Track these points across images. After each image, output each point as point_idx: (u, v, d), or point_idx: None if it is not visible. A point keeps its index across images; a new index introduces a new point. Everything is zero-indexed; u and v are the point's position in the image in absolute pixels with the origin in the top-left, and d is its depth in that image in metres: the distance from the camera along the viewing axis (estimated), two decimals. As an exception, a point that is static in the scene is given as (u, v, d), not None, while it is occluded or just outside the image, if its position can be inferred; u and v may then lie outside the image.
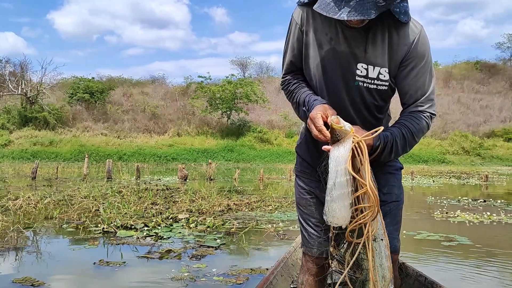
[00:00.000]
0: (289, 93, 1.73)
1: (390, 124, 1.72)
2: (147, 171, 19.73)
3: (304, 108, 1.62)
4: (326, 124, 1.49)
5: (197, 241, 4.60)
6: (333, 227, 1.57)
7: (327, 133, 1.47)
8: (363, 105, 1.64)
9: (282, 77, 1.79)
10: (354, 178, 1.45)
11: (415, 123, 1.57)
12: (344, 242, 1.61)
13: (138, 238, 4.73)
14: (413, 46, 1.54)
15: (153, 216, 5.97)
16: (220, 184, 13.37)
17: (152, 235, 4.87)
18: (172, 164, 29.49)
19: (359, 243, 1.49)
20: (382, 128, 1.48)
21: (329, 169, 1.45)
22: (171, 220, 5.77)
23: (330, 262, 1.65)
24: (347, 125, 1.45)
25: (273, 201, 8.13)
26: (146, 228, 5.17)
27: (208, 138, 38.06)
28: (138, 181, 13.60)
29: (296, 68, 1.74)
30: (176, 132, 38.34)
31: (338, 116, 1.46)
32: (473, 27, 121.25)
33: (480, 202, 8.96)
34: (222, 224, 5.57)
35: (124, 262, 3.80)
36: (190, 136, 38.04)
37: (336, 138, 1.45)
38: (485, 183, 15.75)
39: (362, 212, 1.47)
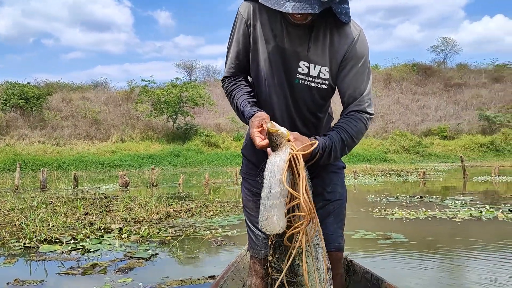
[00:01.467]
0: (228, 93, 1.75)
1: (332, 125, 1.78)
2: (86, 179, 18.86)
3: (241, 111, 1.66)
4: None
5: (127, 252, 4.31)
6: (273, 235, 1.63)
7: (267, 143, 1.49)
8: (303, 103, 1.67)
9: (224, 76, 1.79)
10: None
11: (354, 125, 1.61)
12: (281, 249, 1.68)
13: (62, 252, 4.37)
14: (352, 46, 1.59)
15: (83, 227, 5.58)
16: (163, 190, 12.97)
17: (79, 249, 4.52)
18: (116, 171, 28.45)
19: (296, 248, 1.53)
20: (317, 142, 1.51)
21: (264, 179, 1.46)
22: (102, 231, 5.42)
23: (270, 271, 1.72)
24: (282, 129, 1.47)
25: (215, 206, 7.93)
26: (72, 241, 4.80)
27: (153, 143, 37.17)
28: (76, 190, 12.91)
29: (238, 66, 1.73)
30: (119, 138, 37.14)
31: (272, 122, 1.48)
32: (410, 31, 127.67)
33: (417, 198, 9.24)
34: (158, 233, 5.30)
35: (43, 281, 3.46)
36: (135, 142, 36.98)
37: (275, 143, 1.47)
38: (423, 179, 16.40)
39: (299, 219, 1.50)
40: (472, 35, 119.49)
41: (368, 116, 1.66)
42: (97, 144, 35.89)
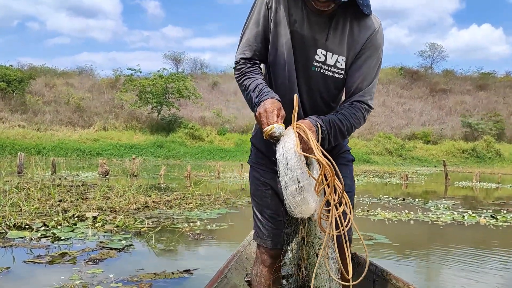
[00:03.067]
0: (242, 75, 1.67)
1: None
2: (65, 166, 18.44)
3: (253, 94, 1.58)
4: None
5: (100, 242, 4.12)
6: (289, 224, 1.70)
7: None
8: (318, 90, 1.67)
9: (240, 57, 1.70)
10: (307, 164, 1.46)
11: (354, 113, 1.61)
12: (291, 240, 1.77)
13: (31, 239, 4.16)
14: (371, 37, 1.61)
15: (56, 214, 5.35)
16: (144, 181, 12.70)
17: (49, 236, 4.31)
18: (96, 159, 27.91)
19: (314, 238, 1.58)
20: (320, 121, 1.52)
21: (278, 157, 1.42)
22: (76, 219, 5.20)
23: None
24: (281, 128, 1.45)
25: (195, 198, 7.75)
26: (43, 228, 4.58)
27: (136, 133, 36.59)
28: (53, 176, 12.57)
29: (254, 49, 1.68)
30: (102, 126, 36.46)
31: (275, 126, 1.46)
32: (398, 34, 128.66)
33: (400, 200, 9.20)
34: (134, 223, 5.11)
35: (9, 268, 3.27)
36: (118, 131, 36.35)
37: (276, 139, 1.45)
38: (405, 182, 16.45)
39: (328, 204, 1.46)
40: (459, 42, 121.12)
41: (367, 108, 1.66)
42: (79, 131, 35.16)
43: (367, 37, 1.61)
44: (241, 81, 1.68)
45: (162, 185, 11.02)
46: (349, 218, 1.50)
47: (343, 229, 1.48)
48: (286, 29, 1.61)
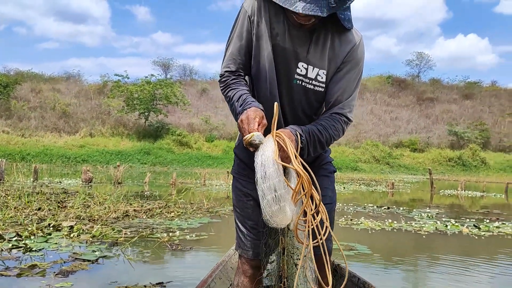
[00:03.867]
0: (227, 87, 1.70)
1: None
2: (47, 173, 18.17)
3: (237, 104, 1.60)
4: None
5: (73, 253, 3.99)
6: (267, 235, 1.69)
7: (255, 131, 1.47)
8: (299, 103, 1.69)
9: (225, 70, 1.73)
10: (285, 174, 1.45)
11: (333, 125, 1.63)
12: (272, 251, 1.76)
13: (1, 250, 4.01)
14: (352, 51, 1.64)
15: (31, 223, 5.20)
16: (128, 188, 12.55)
17: (21, 247, 4.16)
18: (82, 166, 27.59)
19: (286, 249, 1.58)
20: (300, 131, 1.54)
21: (256, 165, 1.42)
22: (51, 228, 5.06)
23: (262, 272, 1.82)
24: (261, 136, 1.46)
25: (177, 207, 7.63)
26: (16, 238, 4.43)
27: (123, 140, 36.30)
28: (35, 183, 12.33)
29: (239, 62, 1.70)
30: (88, 132, 36.11)
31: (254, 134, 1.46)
32: (387, 44, 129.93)
33: (384, 209, 9.17)
34: (111, 233, 4.97)
35: (-26, 281, 3.12)
36: (104, 137, 36.03)
37: (255, 146, 1.45)
38: (391, 190, 16.49)
39: (305, 214, 1.46)
40: (446, 52, 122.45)
41: (346, 120, 1.68)
42: (64, 138, 34.76)
43: (347, 51, 1.64)
44: (226, 92, 1.70)
45: (145, 193, 10.86)
46: (327, 228, 1.50)
47: (321, 239, 1.48)
48: (267, 43, 1.64)
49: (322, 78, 1.65)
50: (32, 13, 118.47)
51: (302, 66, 1.63)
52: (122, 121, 38.93)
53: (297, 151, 1.49)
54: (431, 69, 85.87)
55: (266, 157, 1.41)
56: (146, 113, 38.22)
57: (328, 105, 1.70)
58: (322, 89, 1.67)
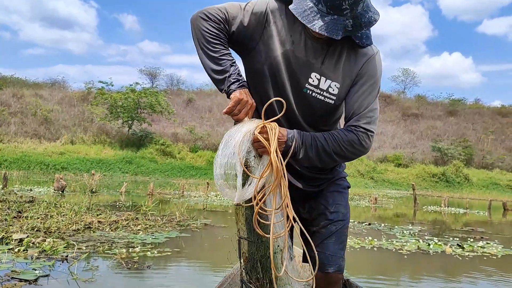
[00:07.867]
0: (219, 33, 1.61)
1: None
2: (21, 180, 17.51)
3: (232, 69, 1.59)
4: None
5: (12, 271, 3.54)
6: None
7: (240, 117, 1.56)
8: (304, 112, 1.67)
9: (218, 8, 1.63)
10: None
11: (343, 134, 1.59)
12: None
13: None
14: (367, 63, 1.63)
15: (-25, 235, 4.72)
16: (103, 197, 12.04)
17: (-45, 263, 3.70)
18: (61, 174, 26.84)
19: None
20: (292, 132, 1.58)
21: (227, 133, 1.50)
22: (0, 241, 4.59)
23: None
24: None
25: (147, 219, 7.18)
26: (-49, 253, 3.96)
27: (105, 148, 35.50)
28: (3, 191, 11.74)
29: (228, 22, 1.62)
30: (69, 140, 35.25)
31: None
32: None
33: (366, 225, 8.83)
34: (65, 247, 4.52)
35: None
36: (86, 145, 35.19)
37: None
38: (374, 205, 16.19)
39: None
40: (431, 69, 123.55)
41: (364, 131, 1.60)
42: (44, 144, 33.83)
43: (362, 63, 1.63)
44: (212, 37, 1.61)
45: (119, 204, 10.35)
46: (290, 221, 1.52)
47: (289, 226, 1.52)
48: (277, 45, 1.62)
49: (333, 90, 1.63)
50: (16, 18, 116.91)
51: (315, 76, 1.62)
52: (105, 129, 38.19)
53: (287, 153, 1.52)
54: (416, 85, 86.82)
55: (240, 128, 1.47)
56: (130, 122, 37.57)
57: (346, 120, 1.68)
58: (332, 102, 1.65)
